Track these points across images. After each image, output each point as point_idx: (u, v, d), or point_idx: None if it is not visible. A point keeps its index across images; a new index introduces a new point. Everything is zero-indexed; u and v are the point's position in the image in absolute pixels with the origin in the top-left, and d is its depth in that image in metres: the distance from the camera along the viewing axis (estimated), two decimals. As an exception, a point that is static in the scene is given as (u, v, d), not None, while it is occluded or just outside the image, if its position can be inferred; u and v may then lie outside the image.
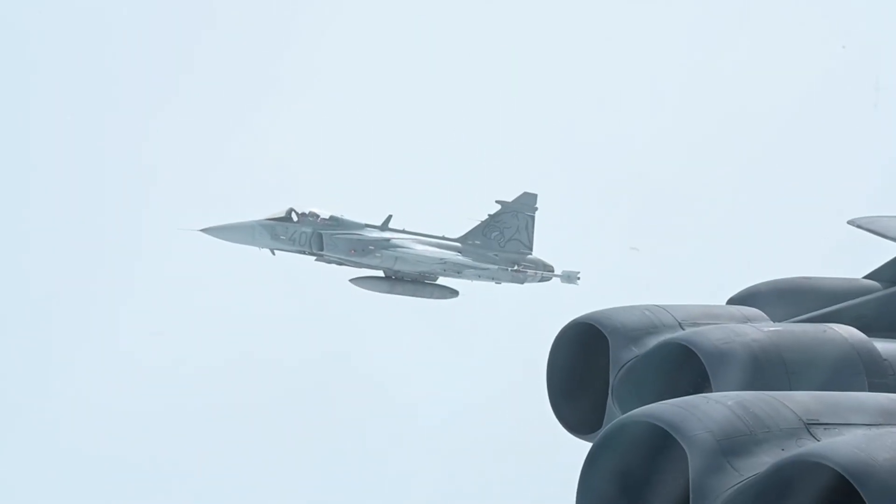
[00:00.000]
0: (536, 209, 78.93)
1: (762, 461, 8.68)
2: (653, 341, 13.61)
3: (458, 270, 75.11)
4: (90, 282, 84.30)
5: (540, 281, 77.22)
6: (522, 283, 76.85)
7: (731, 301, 16.20)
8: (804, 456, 8.20)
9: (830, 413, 9.23)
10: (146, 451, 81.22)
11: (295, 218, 71.15)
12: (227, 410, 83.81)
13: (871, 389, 12.34)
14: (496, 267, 75.70)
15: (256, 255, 70.79)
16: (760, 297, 16.10)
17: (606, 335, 13.92)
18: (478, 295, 76.99)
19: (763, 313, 14.95)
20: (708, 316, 14.46)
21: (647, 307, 14.43)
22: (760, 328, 13.04)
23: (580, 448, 13.70)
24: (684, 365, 12.74)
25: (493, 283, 76.60)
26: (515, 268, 76.09)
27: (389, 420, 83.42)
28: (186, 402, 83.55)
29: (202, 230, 68.51)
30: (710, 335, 12.73)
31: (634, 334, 13.86)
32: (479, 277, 75.87)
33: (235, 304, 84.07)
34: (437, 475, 77.57)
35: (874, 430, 8.71)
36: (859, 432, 8.78)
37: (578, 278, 76.58)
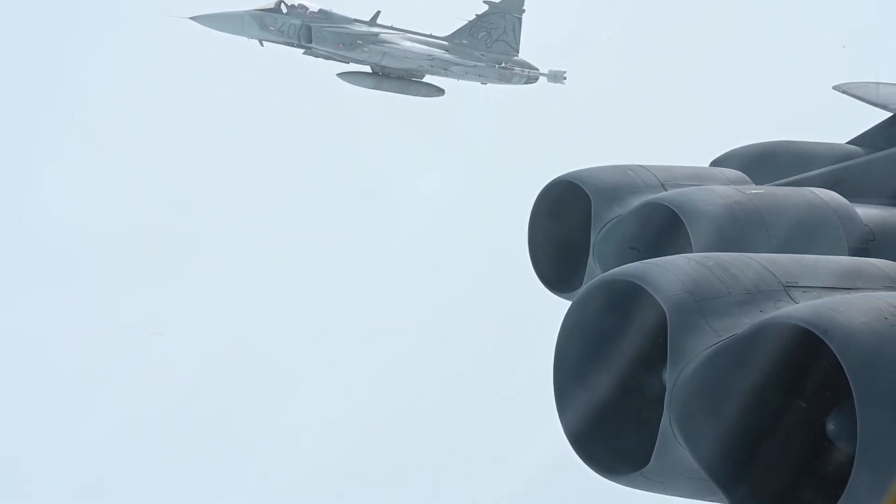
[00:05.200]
0: (524, 11, 78.64)
1: (741, 322, 8.73)
2: (635, 201, 13.59)
3: (445, 67, 74.81)
4: (79, 66, 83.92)
5: (526, 82, 77.15)
6: (509, 81, 76.73)
7: (714, 163, 16.19)
8: (780, 318, 8.25)
9: (810, 276, 9.26)
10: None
11: (284, 9, 70.79)
12: (213, 198, 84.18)
13: (851, 254, 12.39)
14: (483, 64, 75.59)
15: (246, 46, 70.41)
16: (743, 159, 16.10)
17: (589, 193, 13.91)
18: (464, 94, 76.91)
19: (745, 176, 14.94)
20: (690, 177, 14.44)
21: (629, 167, 14.40)
22: (742, 190, 13.02)
23: (559, 306, 13.80)
24: (666, 225, 12.75)
25: (479, 84, 76.56)
26: (502, 64, 76.00)
27: (370, 215, 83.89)
28: (178, 194, 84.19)
29: (192, 18, 68.34)
30: (693, 196, 12.71)
31: (617, 193, 13.85)
32: (466, 75, 75.68)
33: (223, 94, 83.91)
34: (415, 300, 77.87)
35: (852, 294, 8.75)
36: (838, 296, 8.82)
37: (565, 78, 76.66)
